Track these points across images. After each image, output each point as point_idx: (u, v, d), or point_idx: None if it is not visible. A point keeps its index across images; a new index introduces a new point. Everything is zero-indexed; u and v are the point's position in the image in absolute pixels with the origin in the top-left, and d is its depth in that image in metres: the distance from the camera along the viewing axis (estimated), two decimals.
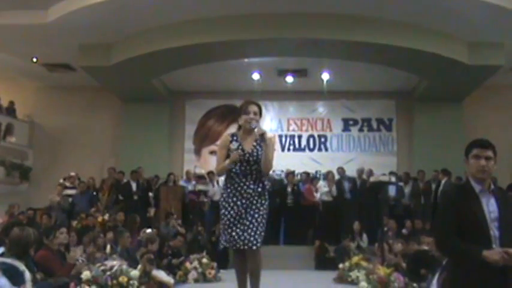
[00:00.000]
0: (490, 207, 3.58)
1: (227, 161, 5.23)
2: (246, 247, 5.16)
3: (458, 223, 3.59)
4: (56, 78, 16.89)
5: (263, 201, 5.27)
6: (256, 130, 5.27)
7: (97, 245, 9.06)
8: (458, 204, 3.65)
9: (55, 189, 14.51)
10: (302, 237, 14.20)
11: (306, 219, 14.34)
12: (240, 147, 5.29)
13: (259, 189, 5.26)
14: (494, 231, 3.53)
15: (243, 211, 5.20)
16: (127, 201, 14.09)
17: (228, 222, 5.23)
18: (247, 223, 5.18)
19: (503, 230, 3.52)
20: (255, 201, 5.22)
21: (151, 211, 13.79)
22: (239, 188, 5.24)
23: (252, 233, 5.16)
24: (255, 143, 5.30)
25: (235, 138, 5.38)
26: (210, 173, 14.82)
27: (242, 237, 5.16)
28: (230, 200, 5.24)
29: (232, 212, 5.21)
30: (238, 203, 5.21)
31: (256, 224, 5.18)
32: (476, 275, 3.48)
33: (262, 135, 5.20)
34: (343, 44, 12.97)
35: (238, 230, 5.19)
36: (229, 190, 5.28)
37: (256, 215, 5.19)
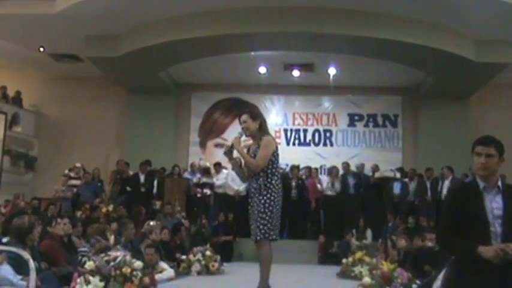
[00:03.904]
0: (494, 204, 3.56)
1: None
2: (253, 239, 5.82)
3: (458, 220, 3.61)
4: (63, 68, 16.92)
5: (260, 197, 5.77)
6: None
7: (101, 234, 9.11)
8: (460, 201, 3.67)
9: (60, 179, 14.54)
10: (306, 232, 14.24)
11: (310, 213, 14.39)
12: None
13: (257, 187, 5.81)
14: (496, 228, 3.51)
15: (250, 208, 5.92)
16: (134, 192, 14.11)
17: None
18: (253, 217, 5.83)
19: (506, 227, 3.50)
20: (255, 198, 5.82)
21: (158, 203, 13.77)
22: (249, 188, 6.06)
23: (254, 227, 5.80)
24: (254, 147, 5.97)
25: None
26: (216, 164, 14.82)
27: (251, 231, 5.87)
28: None
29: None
30: (249, 200, 5.96)
31: (255, 218, 5.78)
32: (474, 273, 3.47)
33: (232, 146, 5.94)
34: (350, 39, 12.95)
35: (251, 224, 5.91)
36: None
37: (256, 211, 5.79)
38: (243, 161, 6.05)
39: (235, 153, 6.04)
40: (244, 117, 5.98)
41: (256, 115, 6.09)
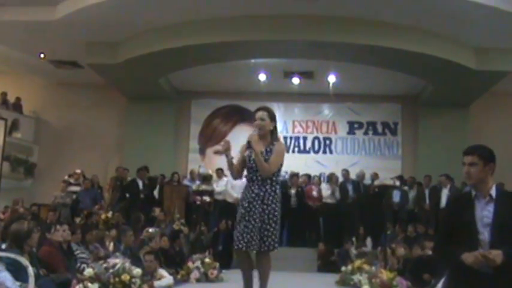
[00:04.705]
0: (484, 212, 3.60)
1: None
2: (248, 249, 5.46)
3: (451, 229, 3.68)
4: (63, 75, 16.93)
5: (264, 206, 5.45)
6: (248, 136, 5.59)
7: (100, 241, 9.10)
8: (454, 211, 3.77)
9: (59, 185, 14.53)
10: (305, 239, 14.22)
11: (309, 221, 14.36)
12: (249, 154, 5.55)
13: (261, 194, 5.46)
14: (485, 236, 3.55)
15: (245, 213, 5.45)
16: (133, 199, 14.07)
17: (236, 224, 5.56)
18: (250, 226, 5.43)
19: (494, 234, 3.53)
20: (257, 206, 5.44)
21: (157, 210, 13.74)
22: (246, 192, 5.57)
23: (254, 237, 5.40)
24: (263, 150, 5.51)
25: (248, 145, 5.61)
26: (218, 170, 14.81)
27: (245, 239, 5.42)
28: (240, 204, 5.60)
29: (239, 213, 5.52)
30: (245, 204, 5.49)
31: (258, 227, 5.41)
32: (469, 282, 3.49)
33: (249, 142, 5.53)
34: (350, 47, 12.96)
35: (241, 231, 5.45)
36: (242, 195, 5.66)
37: (258, 220, 5.42)
38: (234, 160, 5.65)
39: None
40: (263, 114, 5.56)
41: (274, 116, 5.65)
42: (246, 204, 5.49)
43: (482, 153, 3.68)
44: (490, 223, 3.56)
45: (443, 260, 3.83)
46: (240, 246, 5.43)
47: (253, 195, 5.47)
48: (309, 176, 15.23)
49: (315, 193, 14.43)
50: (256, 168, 5.49)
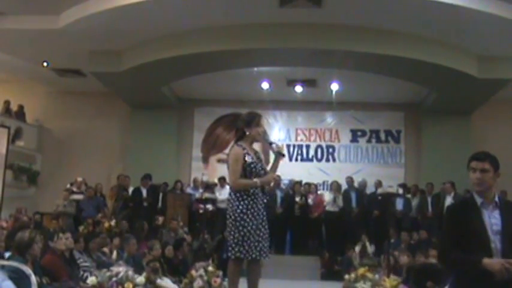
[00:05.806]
0: (492, 219, 3.59)
1: (258, 180, 5.27)
2: (261, 257, 5.29)
3: (459, 236, 3.63)
4: (66, 83, 16.97)
5: (265, 213, 5.37)
6: (274, 146, 5.44)
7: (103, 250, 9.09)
8: (459, 218, 3.71)
9: (62, 194, 14.53)
10: (308, 248, 14.20)
11: (313, 229, 14.34)
12: (255, 161, 5.39)
13: (265, 201, 5.39)
14: (496, 244, 3.54)
15: (260, 222, 5.26)
16: (136, 207, 14.06)
17: (248, 234, 5.22)
18: (262, 234, 5.27)
19: (506, 243, 3.52)
20: (265, 213, 5.34)
21: (160, 219, 13.71)
22: (255, 200, 5.28)
23: (266, 244, 5.31)
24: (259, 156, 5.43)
25: (245, 151, 5.46)
26: (220, 179, 14.80)
27: (258, 248, 5.25)
28: (249, 212, 5.25)
29: (251, 223, 5.23)
30: (255, 214, 5.25)
31: (266, 234, 5.31)
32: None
33: (279, 151, 5.40)
34: (353, 55, 12.96)
35: (255, 241, 5.24)
36: (246, 202, 5.26)
37: (266, 226, 5.32)
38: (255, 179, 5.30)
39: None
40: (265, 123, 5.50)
41: None
42: (260, 212, 5.29)
43: (493, 161, 3.68)
44: (499, 230, 3.55)
45: (452, 267, 3.77)
46: (259, 256, 5.28)
47: (262, 203, 5.33)
48: (309, 184, 15.21)
49: (310, 201, 14.42)
50: (263, 175, 5.35)
